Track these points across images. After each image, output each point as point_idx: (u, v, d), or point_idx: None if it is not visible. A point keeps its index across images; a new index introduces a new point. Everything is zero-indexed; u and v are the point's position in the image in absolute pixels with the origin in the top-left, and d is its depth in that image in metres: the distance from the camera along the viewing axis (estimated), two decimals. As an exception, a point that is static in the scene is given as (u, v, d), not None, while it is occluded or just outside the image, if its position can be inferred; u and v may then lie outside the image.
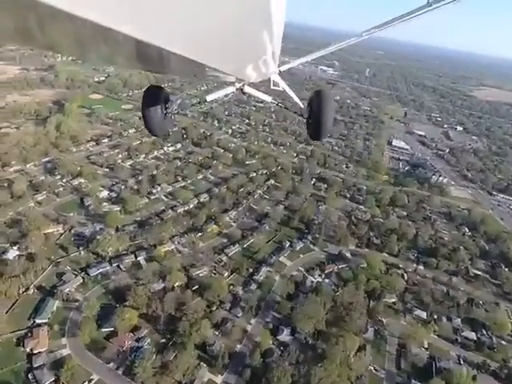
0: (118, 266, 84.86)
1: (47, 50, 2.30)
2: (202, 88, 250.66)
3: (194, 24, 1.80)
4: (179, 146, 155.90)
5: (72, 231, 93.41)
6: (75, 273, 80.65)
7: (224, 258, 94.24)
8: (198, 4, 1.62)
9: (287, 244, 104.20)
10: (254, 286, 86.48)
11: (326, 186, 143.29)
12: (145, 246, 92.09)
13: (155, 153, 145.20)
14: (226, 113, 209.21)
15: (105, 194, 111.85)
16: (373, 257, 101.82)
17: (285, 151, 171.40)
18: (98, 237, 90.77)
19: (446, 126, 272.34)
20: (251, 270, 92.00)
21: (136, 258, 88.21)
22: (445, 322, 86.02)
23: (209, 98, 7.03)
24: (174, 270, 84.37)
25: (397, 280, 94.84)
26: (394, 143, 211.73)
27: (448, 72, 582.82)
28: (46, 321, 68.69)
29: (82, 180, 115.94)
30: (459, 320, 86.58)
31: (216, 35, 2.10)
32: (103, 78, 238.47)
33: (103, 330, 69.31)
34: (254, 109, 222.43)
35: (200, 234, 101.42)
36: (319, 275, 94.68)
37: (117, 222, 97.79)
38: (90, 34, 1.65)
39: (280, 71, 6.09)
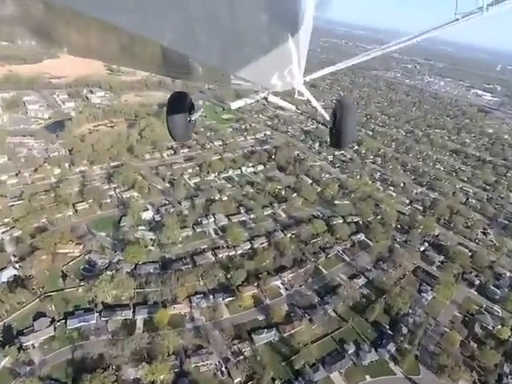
0: (107, 323, 65.10)
1: (75, 55, 2.28)
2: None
3: (220, 34, 1.86)
4: (261, 168, 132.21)
5: (87, 257, 78.87)
6: (54, 317, 64.16)
7: (246, 350, 64.55)
8: (224, 14, 1.68)
9: (351, 349, 67.23)
10: (269, 420, 54.51)
11: (442, 258, 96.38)
12: (152, 301, 70.26)
13: (230, 172, 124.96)
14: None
15: (149, 214, 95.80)
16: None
17: (394, 194, 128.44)
18: (108, 272, 73.95)
19: None
20: (278, 384, 60.09)
21: (134, 315, 67.17)
22: None
23: (233, 105, 6.30)
24: (165, 351, 59.91)
25: None
26: None
27: None
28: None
29: (135, 193, 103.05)
30: None
31: (242, 45, 2.16)
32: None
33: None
34: (370, 133, 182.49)
35: (231, 298, 74.41)
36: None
37: (138, 257, 79.27)
38: (117, 39, 1.75)
39: (305, 81, 5.44)
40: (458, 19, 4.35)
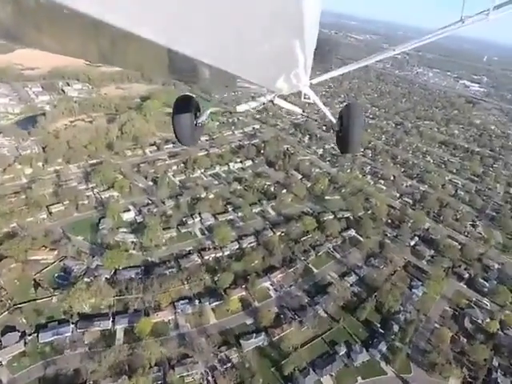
0: (83, 335, 60.15)
1: (73, 56, 2.04)
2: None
3: (226, 36, 1.82)
4: (249, 163, 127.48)
5: (62, 263, 73.34)
6: (25, 331, 58.86)
7: (234, 357, 60.84)
8: (230, 16, 1.63)
9: (342, 351, 64.35)
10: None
11: (432, 252, 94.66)
12: (133, 309, 65.58)
13: (216, 168, 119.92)
14: (324, 127, 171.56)
15: (130, 215, 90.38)
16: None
17: (384, 188, 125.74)
18: (85, 279, 68.84)
19: None
20: (267, 394, 56.58)
21: (113, 325, 62.40)
22: None
23: (239, 108, 6.13)
24: (147, 362, 55.64)
25: None
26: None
27: None
28: None
29: (115, 193, 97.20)
30: None
31: (249, 47, 2.13)
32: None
33: None
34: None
35: (218, 302, 70.30)
36: None
37: (118, 262, 74.16)
38: (118, 39, 1.63)
39: (311, 84, 5.63)
40: (463, 21, 4.40)
